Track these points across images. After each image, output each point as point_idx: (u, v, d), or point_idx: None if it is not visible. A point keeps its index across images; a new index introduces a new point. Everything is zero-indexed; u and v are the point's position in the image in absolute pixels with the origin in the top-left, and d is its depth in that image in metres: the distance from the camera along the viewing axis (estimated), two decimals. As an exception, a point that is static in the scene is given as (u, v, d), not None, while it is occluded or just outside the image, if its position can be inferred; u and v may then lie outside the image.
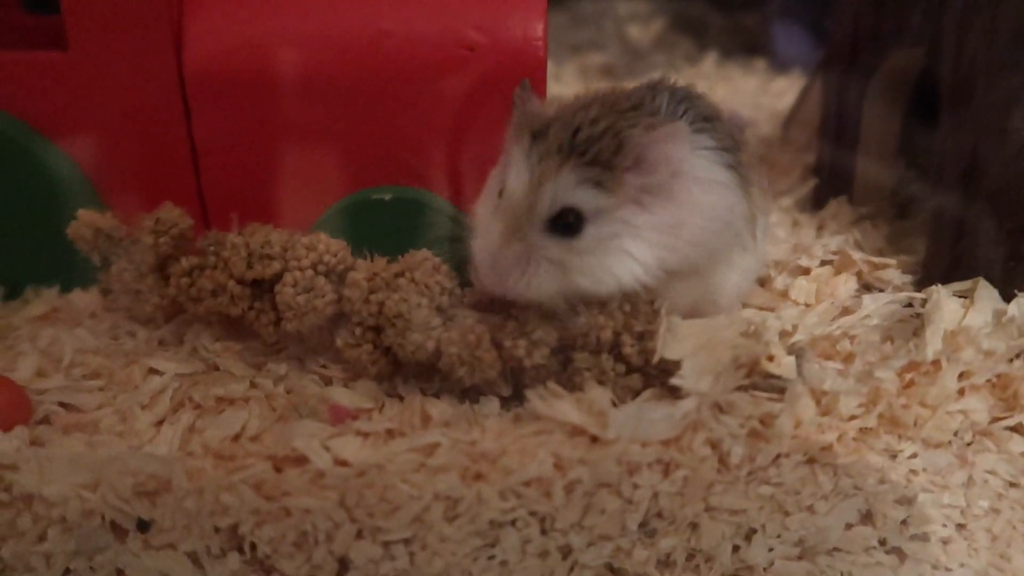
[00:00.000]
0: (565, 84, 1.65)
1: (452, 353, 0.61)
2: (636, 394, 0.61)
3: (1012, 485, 0.62)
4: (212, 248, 0.68)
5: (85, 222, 0.70)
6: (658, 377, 0.61)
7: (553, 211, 0.59)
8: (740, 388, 0.59)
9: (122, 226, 0.70)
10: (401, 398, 0.65)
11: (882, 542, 0.60)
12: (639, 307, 0.61)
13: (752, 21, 1.77)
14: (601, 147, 0.59)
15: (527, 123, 0.63)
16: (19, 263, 0.79)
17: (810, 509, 0.58)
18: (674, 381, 0.57)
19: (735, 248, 0.67)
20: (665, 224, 0.61)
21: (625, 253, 0.60)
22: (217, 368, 0.68)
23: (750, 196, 0.68)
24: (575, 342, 0.62)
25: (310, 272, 0.64)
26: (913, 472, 0.60)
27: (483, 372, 0.61)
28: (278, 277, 0.65)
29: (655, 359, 0.59)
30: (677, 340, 0.58)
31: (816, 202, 0.98)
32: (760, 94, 1.49)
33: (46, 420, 0.61)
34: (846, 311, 0.75)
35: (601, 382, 0.61)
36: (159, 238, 0.68)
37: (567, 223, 0.59)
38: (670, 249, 0.61)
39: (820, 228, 0.91)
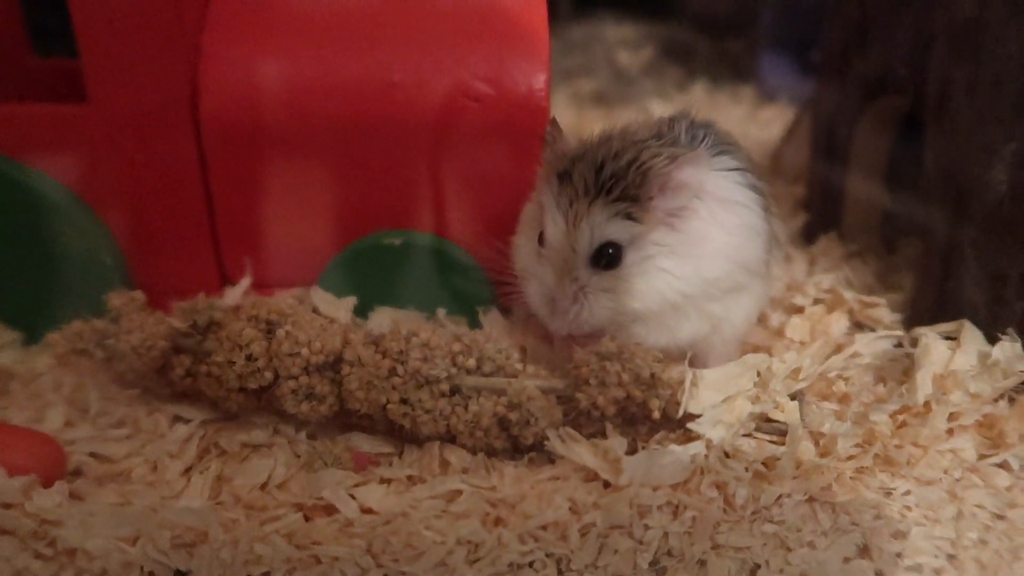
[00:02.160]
0: (558, 111, 1.68)
1: (464, 443, 0.64)
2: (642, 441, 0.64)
3: (999, 517, 0.65)
4: (203, 349, 0.66)
5: (61, 350, 0.68)
6: (663, 424, 0.65)
7: (593, 249, 0.64)
8: (745, 434, 0.63)
9: (100, 329, 0.69)
10: (419, 443, 0.67)
11: (878, 574, 0.63)
12: (640, 374, 0.63)
13: (739, 48, 1.81)
14: (627, 183, 0.64)
15: (554, 164, 0.67)
16: (38, 308, 0.81)
17: (811, 545, 0.61)
18: (691, 426, 0.60)
19: (753, 277, 0.71)
20: (693, 239, 0.66)
21: (662, 271, 0.65)
22: (235, 416, 0.70)
23: (770, 218, 0.72)
24: (579, 414, 0.65)
25: (304, 379, 0.64)
26: (907, 508, 0.63)
27: (492, 450, 0.65)
28: (273, 383, 0.65)
29: (680, 413, 0.62)
30: (701, 391, 0.62)
31: (807, 236, 1.02)
32: (748, 122, 1.52)
33: (79, 471, 0.63)
34: (839, 349, 0.78)
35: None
36: (142, 359, 0.66)
37: (607, 256, 0.64)
38: (702, 260, 0.66)
39: (811, 264, 0.95)
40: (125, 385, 0.71)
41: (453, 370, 0.64)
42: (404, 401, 0.63)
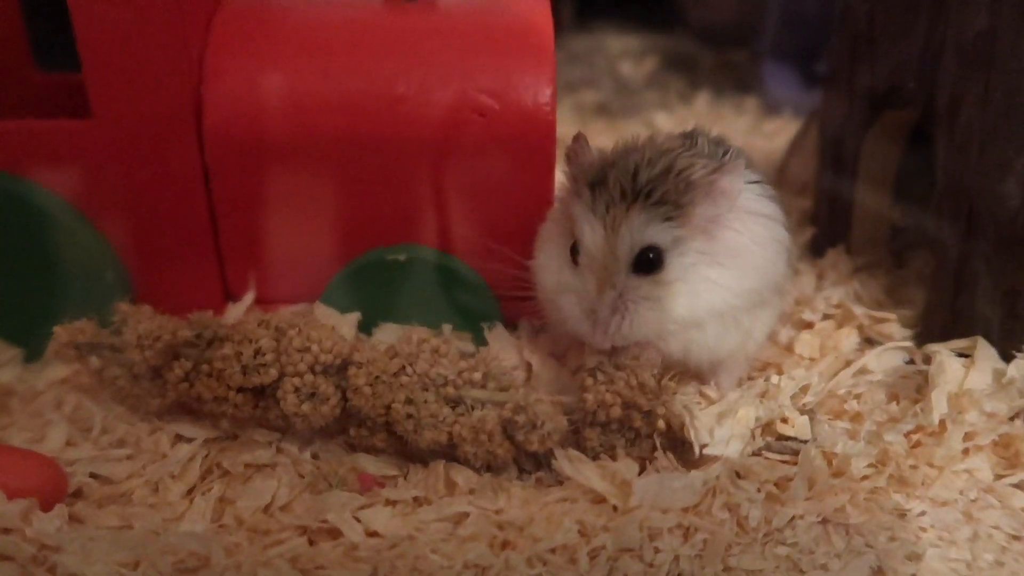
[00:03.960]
0: (562, 123, 1.68)
1: (467, 450, 0.63)
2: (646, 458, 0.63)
3: (1015, 538, 0.64)
4: (204, 354, 0.66)
5: (63, 341, 0.67)
6: (667, 440, 0.64)
7: (634, 253, 0.62)
8: (755, 453, 0.62)
9: (102, 332, 0.68)
10: (423, 463, 0.66)
11: (893, 596, 0.62)
12: (646, 383, 0.63)
13: (743, 59, 1.81)
14: (666, 187, 0.62)
15: (583, 176, 0.66)
16: (38, 325, 0.80)
17: (824, 567, 0.60)
18: (707, 451, 0.59)
19: (777, 289, 0.70)
20: (732, 250, 0.64)
21: (706, 279, 0.63)
22: (236, 436, 0.69)
23: (790, 231, 0.72)
24: (585, 419, 0.64)
25: (309, 377, 0.63)
26: (922, 529, 0.62)
27: (497, 460, 0.63)
28: (276, 382, 0.64)
29: (697, 453, 0.62)
30: (702, 419, 0.61)
31: (814, 249, 1.01)
32: (753, 134, 1.52)
33: (79, 492, 0.62)
34: (849, 365, 0.77)
35: (612, 457, 0.63)
36: (144, 352, 0.65)
37: (648, 260, 0.62)
38: (741, 271, 0.64)
39: (819, 278, 0.94)
40: (116, 397, 0.69)
41: (459, 381, 0.63)
42: (410, 401, 0.62)
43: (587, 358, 0.67)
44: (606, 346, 0.64)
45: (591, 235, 0.63)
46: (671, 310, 0.63)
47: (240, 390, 0.65)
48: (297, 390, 0.63)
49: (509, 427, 0.62)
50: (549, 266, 0.68)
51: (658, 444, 0.63)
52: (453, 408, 0.63)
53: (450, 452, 0.64)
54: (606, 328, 0.62)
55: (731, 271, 0.64)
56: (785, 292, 0.73)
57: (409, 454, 0.66)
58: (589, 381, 0.63)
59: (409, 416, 0.62)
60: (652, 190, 0.62)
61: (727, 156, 0.68)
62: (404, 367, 0.63)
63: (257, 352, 0.64)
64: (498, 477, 0.64)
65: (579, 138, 0.69)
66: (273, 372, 0.64)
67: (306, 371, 0.63)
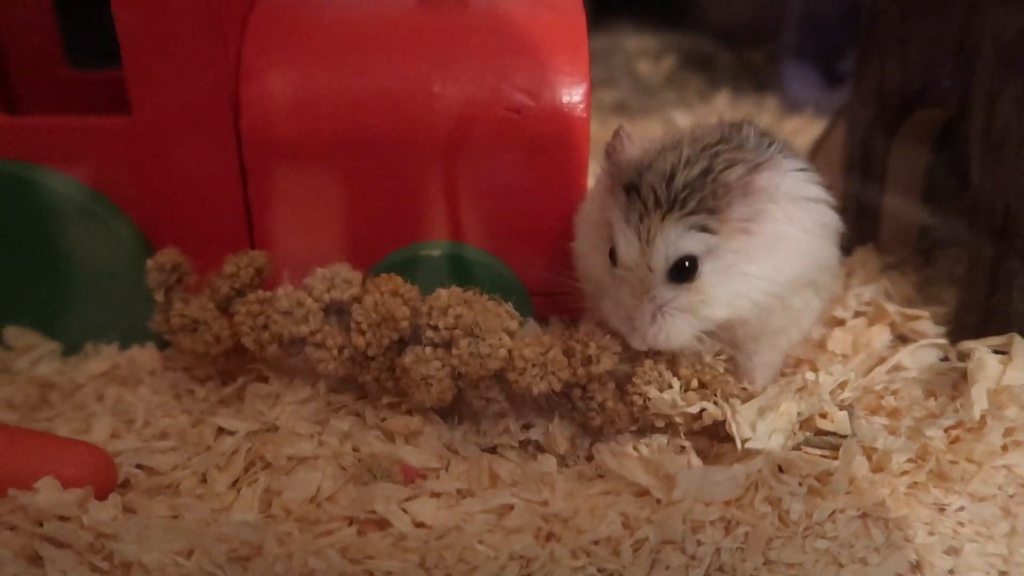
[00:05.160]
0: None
1: (525, 356, 0.63)
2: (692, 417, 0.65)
3: (1052, 534, 0.64)
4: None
5: (167, 258, 0.72)
6: (712, 398, 0.65)
7: (669, 264, 0.62)
8: (794, 447, 0.62)
9: (193, 272, 0.73)
10: (462, 456, 0.67)
11: (930, 590, 0.63)
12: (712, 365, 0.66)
13: (761, 58, 1.81)
14: (703, 194, 0.62)
15: (619, 176, 0.65)
16: (77, 319, 0.81)
17: (863, 561, 0.60)
18: (749, 445, 0.60)
19: (827, 270, 0.70)
20: (771, 241, 0.64)
21: (744, 275, 0.64)
22: (276, 428, 0.70)
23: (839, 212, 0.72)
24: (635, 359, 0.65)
25: (388, 296, 0.66)
26: (960, 524, 0.63)
27: (555, 376, 0.64)
28: (356, 300, 0.68)
29: (739, 448, 0.62)
30: (744, 413, 0.61)
31: (843, 247, 1.01)
32: (773, 133, 1.52)
33: (127, 483, 0.63)
34: (882, 362, 0.78)
35: (661, 390, 0.64)
36: (240, 269, 0.71)
37: (685, 269, 0.62)
38: (781, 260, 0.64)
39: (849, 276, 0.94)
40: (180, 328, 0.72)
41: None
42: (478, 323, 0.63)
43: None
44: (643, 348, 0.65)
45: (626, 247, 0.63)
46: (708, 316, 0.64)
47: (318, 300, 0.69)
48: (376, 304, 0.66)
49: (568, 341, 0.64)
50: (590, 258, 0.69)
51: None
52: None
53: (503, 375, 0.65)
54: (644, 337, 0.64)
55: (771, 263, 0.64)
56: (837, 275, 0.73)
57: (446, 406, 0.67)
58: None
59: (476, 324, 0.63)
60: (687, 198, 0.62)
61: (771, 149, 0.67)
62: (474, 300, 0.66)
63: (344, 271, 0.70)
64: (539, 468, 0.64)
65: (619, 132, 0.68)
66: (356, 290, 0.69)
67: (387, 293, 0.67)
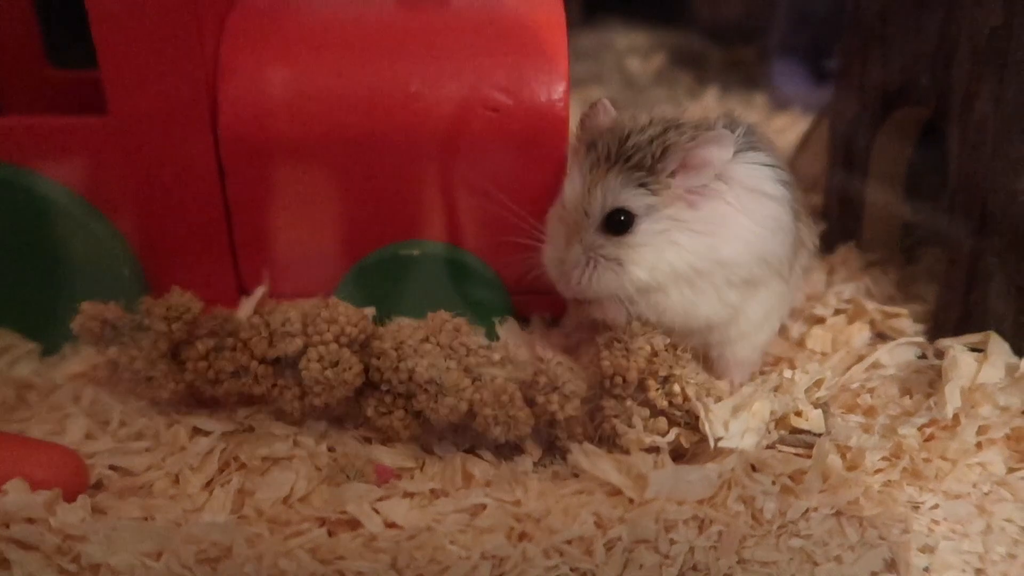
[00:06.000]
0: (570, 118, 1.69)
1: (487, 414, 0.63)
2: (662, 435, 0.64)
3: (1028, 531, 0.64)
4: (227, 328, 0.67)
5: (90, 315, 0.68)
6: (682, 418, 0.65)
7: (604, 212, 0.65)
8: (769, 446, 0.62)
9: (126, 315, 0.69)
10: (437, 456, 0.67)
11: (906, 588, 0.63)
12: (661, 351, 0.65)
13: (751, 56, 1.81)
14: (646, 153, 0.64)
15: (585, 137, 0.69)
16: (55, 320, 0.81)
17: (837, 559, 0.60)
18: (722, 444, 0.59)
19: (774, 275, 0.70)
20: (713, 219, 0.65)
21: (674, 244, 0.65)
22: (252, 429, 0.69)
23: (798, 219, 0.71)
24: (603, 386, 0.65)
25: (334, 346, 0.64)
26: (935, 522, 0.63)
27: (518, 429, 0.64)
28: (300, 353, 0.65)
29: (712, 447, 0.62)
30: (717, 410, 0.61)
31: (825, 245, 1.01)
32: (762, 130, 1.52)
33: (99, 484, 0.63)
34: (861, 359, 0.77)
35: (630, 426, 0.64)
36: (172, 324, 0.66)
37: (618, 222, 0.65)
38: (719, 240, 0.65)
39: (830, 274, 0.94)
40: (132, 381, 0.70)
41: (480, 358, 0.65)
42: (433, 366, 0.63)
43: (599, 336, 0.68)
44: (569, 296, 0.68)
45: (571, 190, 0.67)
46: (633, 271, 0.65)
47: (263, 361, 0.66)
48: (321, 358, 0.64)
49: (530, 390, 0.64)
50: (550, 214, 0.72)
51: (678, 419, 0.64)
52: (473, 382, 0.64)
53: (468, 423, 0.64)
54: (568, 279, 0.66)
55: (706, 239, 0.65)
56: (789, 281, 0.72)
57: (425, 439, 0.67)
58: (605, 351, 0.65)
59: (431, 381, 0.63)
60: (633, 155, 0.65)
61: (736, 134, 0.67)
62: (428, 337, 0.66)
63: (285, 321, 0.66)
64: (514, 468, 0.64)
65: (597, 104, 0.71)
66: (298, 342, 0.65)
67: (331, 341, 0.65)
